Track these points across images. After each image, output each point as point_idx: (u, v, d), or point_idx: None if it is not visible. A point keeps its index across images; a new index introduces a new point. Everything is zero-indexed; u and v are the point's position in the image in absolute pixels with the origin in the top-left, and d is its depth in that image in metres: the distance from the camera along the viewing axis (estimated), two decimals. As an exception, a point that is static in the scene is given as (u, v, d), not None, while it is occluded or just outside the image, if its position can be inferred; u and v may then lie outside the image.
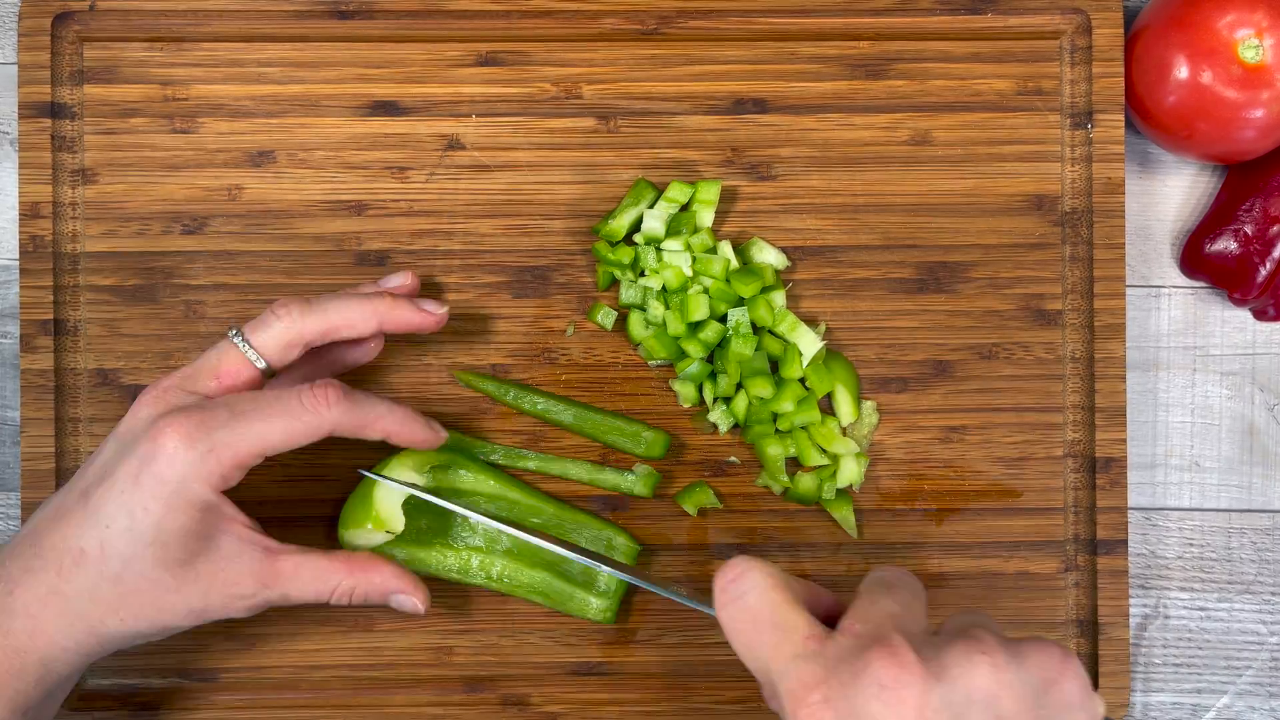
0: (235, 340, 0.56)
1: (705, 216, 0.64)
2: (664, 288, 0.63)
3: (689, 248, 0.63)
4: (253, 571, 0.55)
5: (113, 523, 0.52)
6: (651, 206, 0.64)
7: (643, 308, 0.64)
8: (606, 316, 0.64)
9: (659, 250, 0.63)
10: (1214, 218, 0.66)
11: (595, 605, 0.63)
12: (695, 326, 0.63)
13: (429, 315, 0.59)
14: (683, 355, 0.63)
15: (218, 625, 0.63)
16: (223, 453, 0.53)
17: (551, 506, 0.63)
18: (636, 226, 0.64)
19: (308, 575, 0.56)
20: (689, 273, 0.63)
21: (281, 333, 0.56)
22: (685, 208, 0.64)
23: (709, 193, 0.64)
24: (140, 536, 0.52)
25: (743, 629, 0.48)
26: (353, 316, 0.57)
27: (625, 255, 0.63)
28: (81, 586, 0.53)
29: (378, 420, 0.56)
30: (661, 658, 0.65)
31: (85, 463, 0.56)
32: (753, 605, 0.48)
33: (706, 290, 0.63)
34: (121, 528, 0.52)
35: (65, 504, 0.54)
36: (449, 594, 0.64)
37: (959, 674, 0.45)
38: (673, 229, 0.63)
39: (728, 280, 0.63)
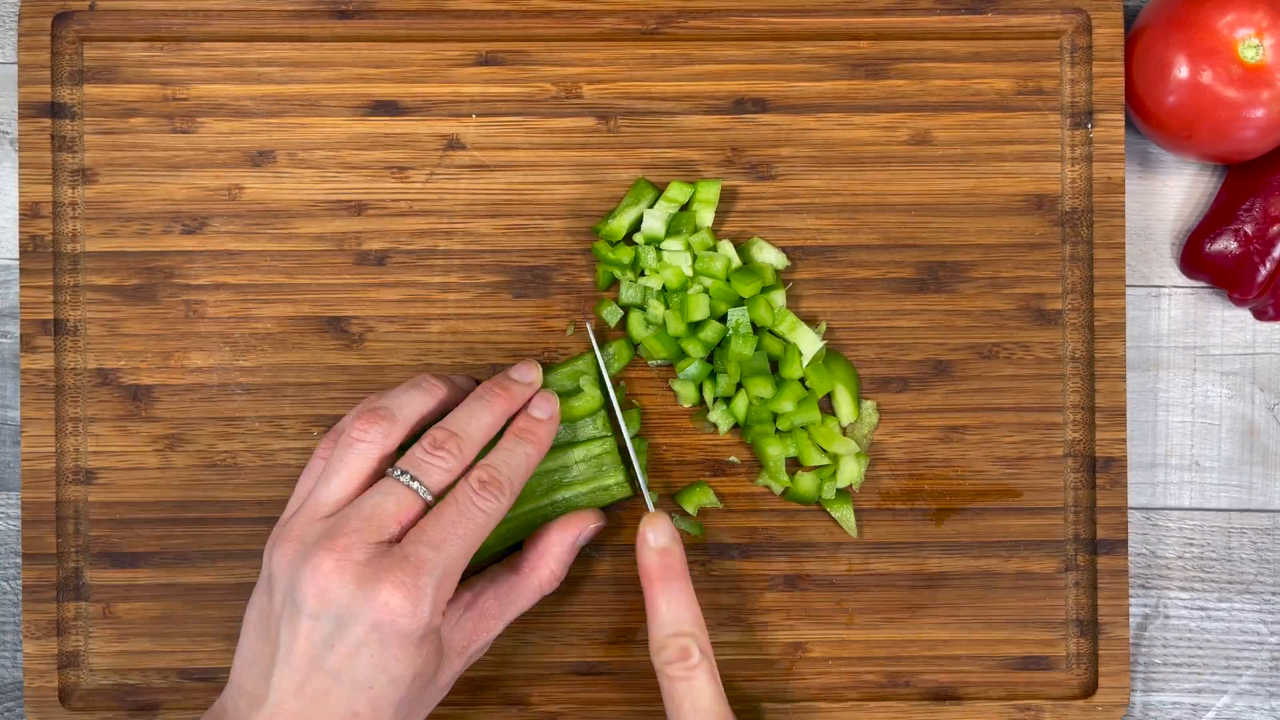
0: (407, 483, 0.56)
1: (705, 216, 0.64)
2: (664, 288, 0.63)
3: (689, 247, 0.63)
4: (475, 631, 0.59)
5: (374, 683, 0.54)
6: (651, 206, 0.64)
7: (643, 307, 0.64)
8: (612, 314, 0.64)
9: (659, 250, 0.63)
10: (1214, 218, 0.66)
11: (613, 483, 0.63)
12: (695, 326, 0.63)
13: (531, 386, 0.61)
14: (683, 355, 0.63)
15: (219, 625, 0.63)
16: (445, 587, 0.55)
17: None
18: (636, 226, 0.64)
19: (512, 601, 0.60)
20: (689, 272, 0.63)
21: (447, 471, 0.57)
22: (685, 207, 0.64)
23: (709, 192, 0.64)
24: (403, 683, 0.55)
25: (687, 706, 0.58)
26: (485, 422, 0.59)
27: (625, 255, 0.63)
28: None
29: (527, 467, 0.59)
30: (661, 657, 0.65)
31: (258, 640, 0.56)
32: (696, 689, 0.58)
33: (706, 290, 0.63)
34: (384, 684, 0.54)
35: (299, 681, 0.54)
36: (449, 594, 0.64)
37: None
38: (673, 229, 0.63)
39: (728, 280, 0.63)
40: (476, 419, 0.59)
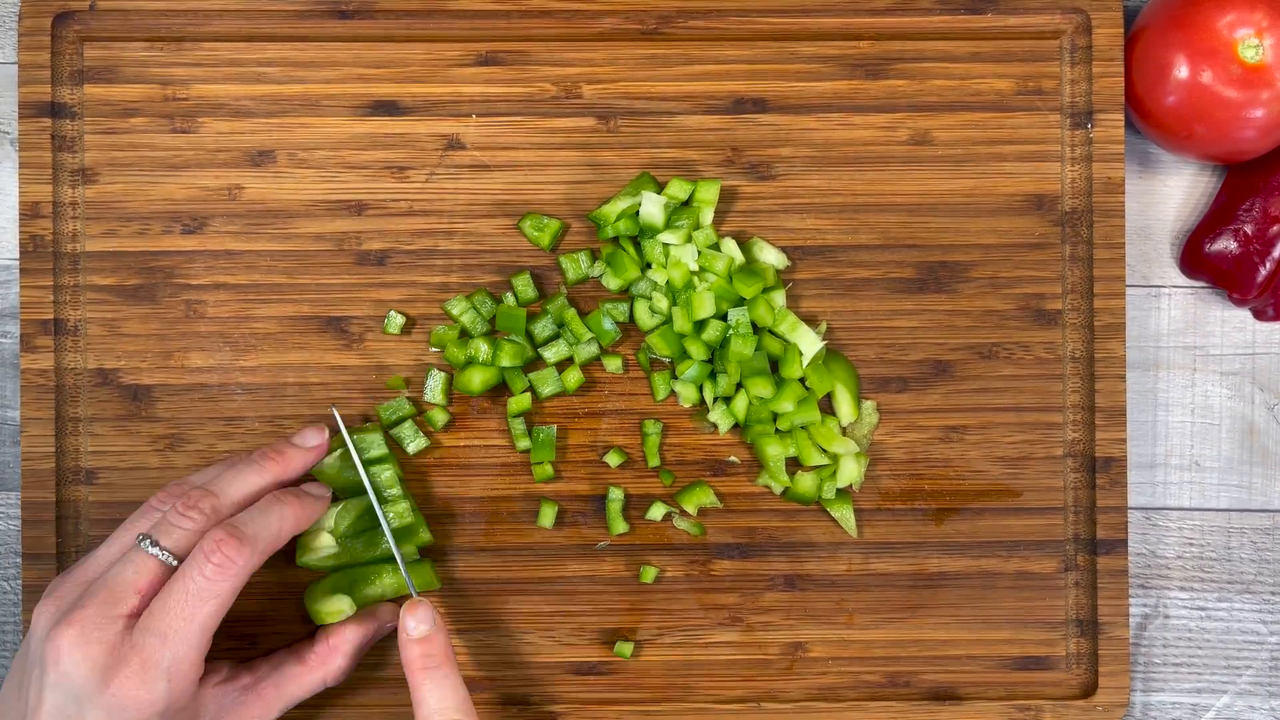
0: (149, 549, 0.56)
1: (705, 216, 0.64)
2: (669, 284, 0.63)
3: (692, 240, 0.63)
4: (246, 712, 0.59)
5: None
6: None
7: (648, 297, 0.64)
8: (574, 264, 0.64)
9: (666, 246, 0.63)
10: (1214, 218, 0.66)
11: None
12: (699, 326, 0.63)
13: (315, 452, 0.61)
14: (684, 355, 0.63)
15: (218, 625, 0.63)
16: (180, 669, 0.55)
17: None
18: (632, 217, 0.64)
19: (293, 690, 0.60)
20: (694, 267, 0.63)
21: (189, 533, 0.56)
22: (687, 204, 0.64)
23: (708, 192, 0.64)
24: None
25: None
26: (251, 488, 0.59)
27: (625, 225, 0.63)
28: None
29: (280, 533, 0.58)
30: (661, 658, 0.65)
31: (14, 691, 0.56)
32: None
33: (709, 288, 0.63)
34: None
35: None
36: (449, 594, 0.64)
37: None
38: (674, 223, 0.63)
39: (730, 279, 0.63)
40: (240, 480, 0.59)
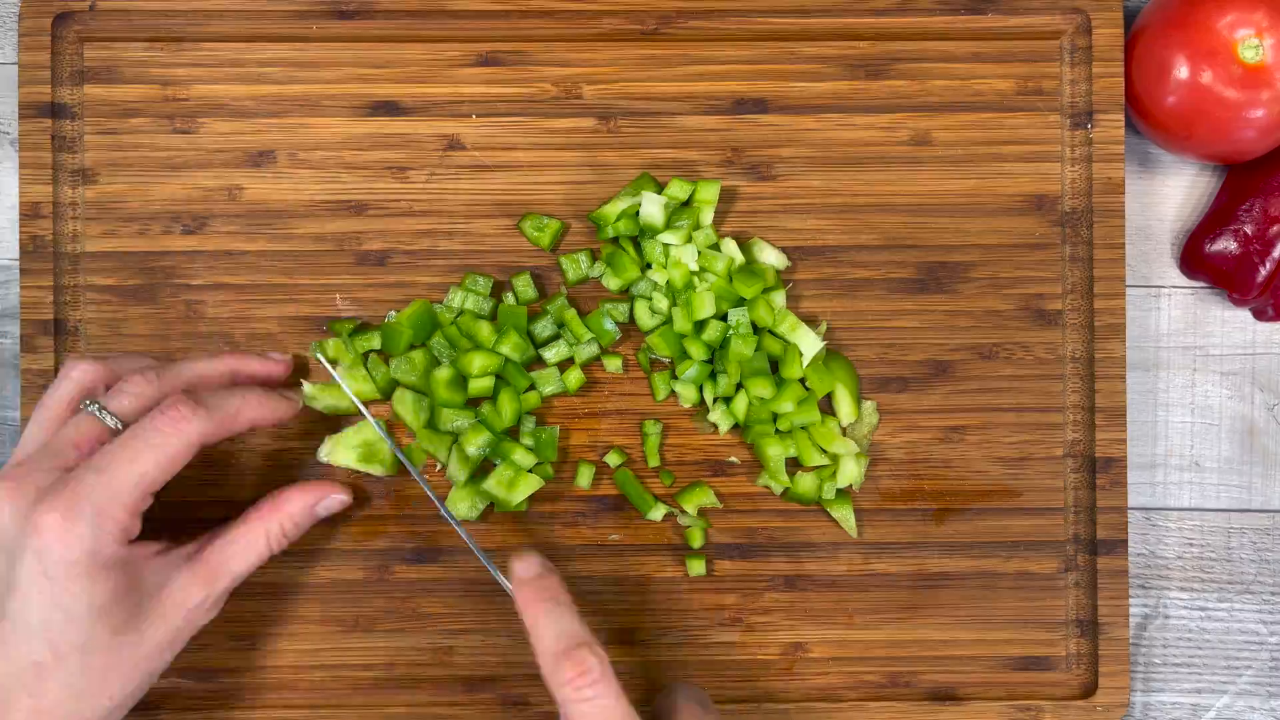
0: (90, 409, 0.55)
1: (705, 216, 0.64)
2: (669, 284, 0.63)
3: (692, 240, 0.63)
4: (192, 581, 0.56)
5: (50, 623, 0.52)
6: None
7: (648, 297, 0.64)
8: (574, 264, 0.64)
9: (666, 246, 0.63)
10: (1214, 218, 0.66)
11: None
12: (699, 326, 0.63)
13: (275, 364, 0.61)
14: (684, 356, 0.63)
15: (218, 625, 0.63)
16: (109, 510, 0.52)
17: None
18: (632, 218, 0.64)
19: (238, 550, 0.57)
20: (694, 267, 0.63)
21: (136, 396, 0.55)
22: (687, 204, 0.64)
23: (708, 192, 0.64)
24: (81, 620, 0.52)
25: None
26: (204, 370, 0.58)
27: (625, 226, 0.63)
28: (59, 694, 0.52)
29: (239, 413, 0.56)
30: (661, 658, 0.65)
31: None
32: (604, 707, 0.53)
33: (709, 288, 0.63)
34: (59, 622, 0.52)
35: None
36: (449, 594, 0.64)
37: None
38: (674, 223, 0.63)
39: (730, 279, 0.63)
40: (189, 363, 0.58)
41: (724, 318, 0.63)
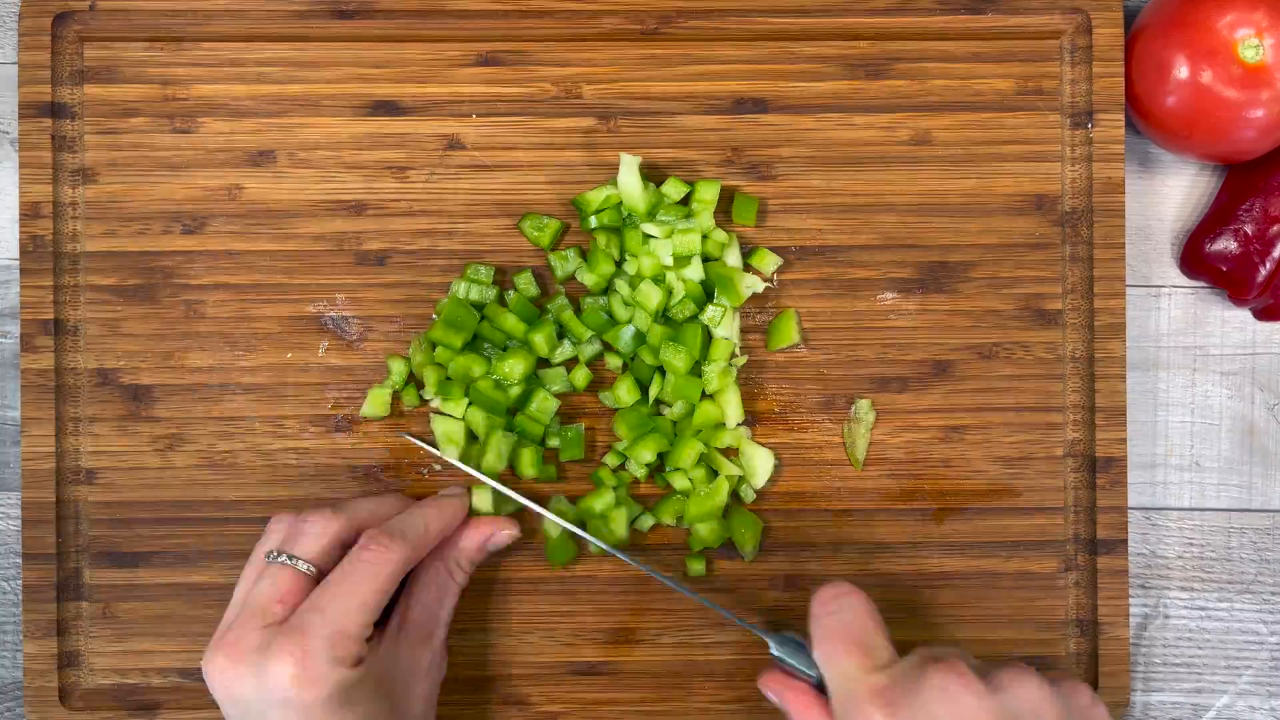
0: (280, 560, 0.56)
1: (705, 218, 0.64)
2: (638, 274, 0.63)
3: (673, 236, 0.63)
4: (413, 647, 0.59)
5: None
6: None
7: (618, 291, 0.63)
8: (563, 261, 0.64)
9: (648, 238, 0.63)
10: (1214, 218, 0.66)
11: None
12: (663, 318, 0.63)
13: (453, 505, 0.62)
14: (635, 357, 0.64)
15: (218, 626, 0.63)
16: (340, 641, 0.54)
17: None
18: (615, 208, 0.64)
19: (434, 599, 0.60)
20: (668, 261, 0.63)
21: (319, 535, 0.57)
22: (684, 203, 0.64)
23: (708, 192, 0.63)
24: None
25: (834, 642, 0.55)
26: (375, 508, 0.60)
27: (609, 217, 0.63)
28: None
29: (428, 529, 0.59)
30: (661, 658, 0.65)
31: None
32: (847, 620, 0.56)
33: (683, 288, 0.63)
34: None
35: None
36: (449, 594, 0.64)
37: (1013, 689, 0.52)
38: (661, 215, 0.63)
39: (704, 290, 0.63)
40: (362, 501, 0.60)
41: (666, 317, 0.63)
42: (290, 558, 0.56)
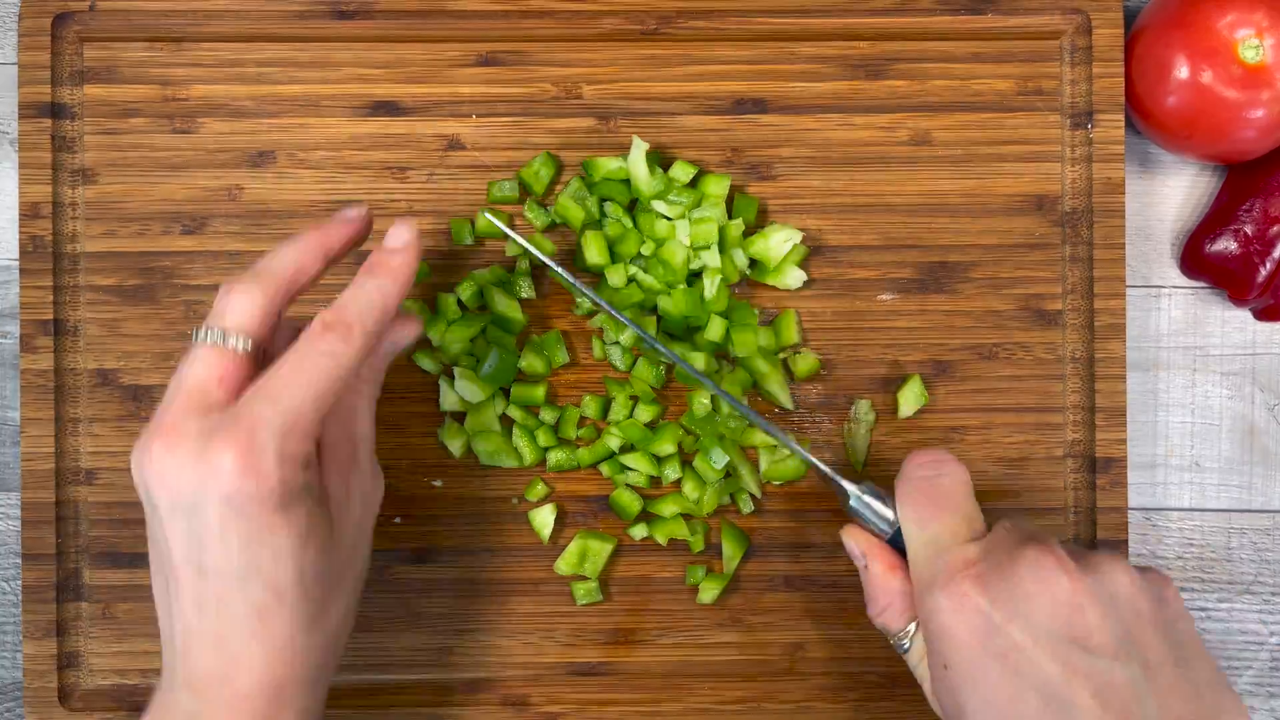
0: (208, 339, 0.51)
1: (717, 212, 0.64)
2: (656, 255, 0.63)
3: (684, 217, 0.63)
4: (361, 406, 0.54)
5: (259, 565, 0.49)
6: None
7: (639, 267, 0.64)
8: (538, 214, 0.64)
9: (658, 217, 0.63)
10: (1214, 218, 0.66)
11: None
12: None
13: (353, 222, 0.55)
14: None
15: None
16: (288, 442, 0.49)
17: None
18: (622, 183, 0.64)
19: (344, 416, 0.54)
20: (685, 240, 0.63)
21: (244, 304, 0.51)
22: (692, 186, 0.64)
23: (718, 187, 0.63)
24: (290, 554, 0.49)
25: (928, 505, 0.54)
26: (298, 258, 0.53)
27: (615, 190, 0.63)
28: (286, 631, 0.50)
29: (383, 303, 0.52)
30: (661, 658, 0.65)
31: (156, 552, 0.51)
32: (946, 487, 0.55)
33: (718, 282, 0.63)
34: (268, 561, 0.49)
35: (193, 594, 0.49)
36: (449, 594, 0.64)
37: (1107, 573, 0.51)
38: (670, 197, 0.63)
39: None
40: (279, 255, 0.53)
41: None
42: (222, 334, 0.50)
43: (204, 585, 0.49)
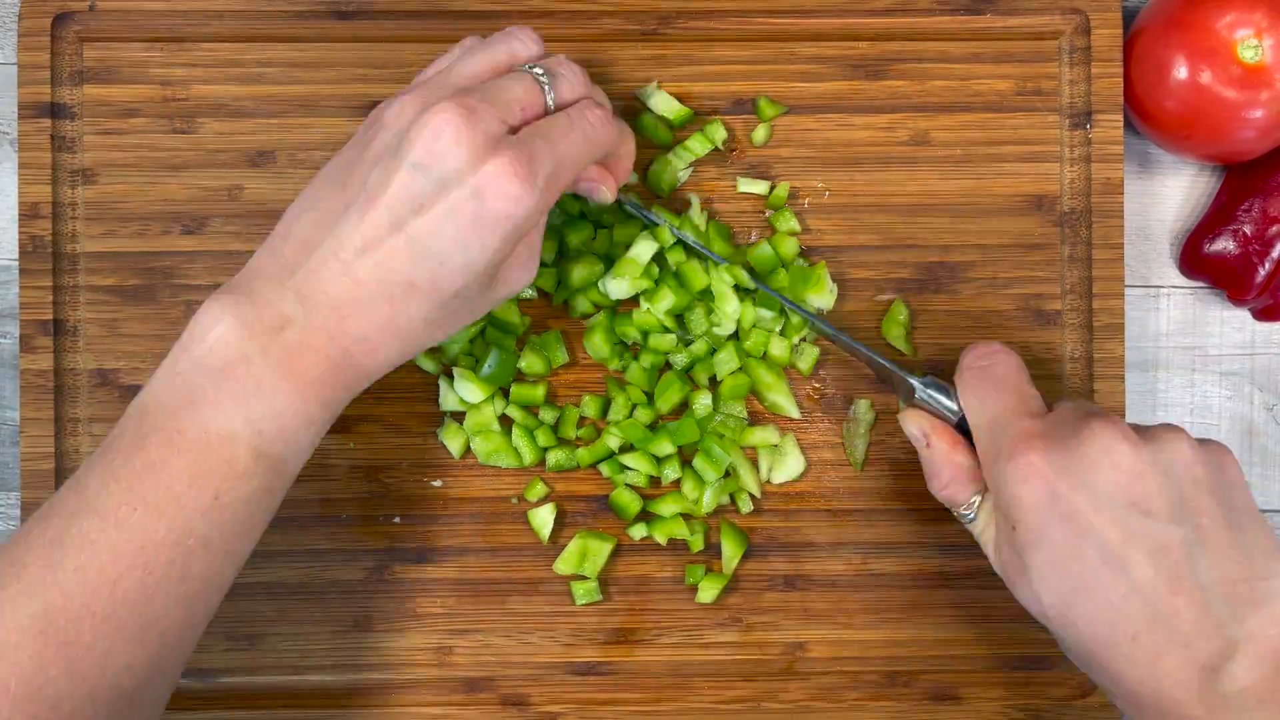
0: (539, 76, 0.55)
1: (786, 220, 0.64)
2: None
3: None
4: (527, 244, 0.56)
5: (447, 259, 0.51)
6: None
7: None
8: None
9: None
10: (1213, 218, 0.66)
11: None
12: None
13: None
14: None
15: (218, 626, 0.63)
16: (551, 187, 0.53)
17: None
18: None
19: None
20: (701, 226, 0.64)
21: (571, 86, 0.56)
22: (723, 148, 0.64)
23: (715, 132, 0.64)
24: (474, 269, 0.52)
25: (986, 389, 0.57)
26: (579, 78, 0.57)
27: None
28: (415, 315, 0.52)
29: (624, 142, 0.59)
30: (661, 658, 0.65)
31: (334, 188, 0.54)
32: (1000, 373, 0.57)
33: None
34: (457, 264, 0.52)
35: (369, 234, 0.51)
36: (449, 594, 0.64)
37: (1166, 443, 0.53)
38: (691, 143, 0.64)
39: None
40: (577, 66, 0.58)
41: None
42: (547, 82, 0.55)
43: (391, 237, 0.51)
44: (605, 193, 0.58)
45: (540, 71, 0.55)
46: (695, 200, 0.64)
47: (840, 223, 0.65)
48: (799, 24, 0.65)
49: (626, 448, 0.64)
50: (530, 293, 0.64)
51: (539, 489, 0.64)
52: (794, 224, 0.64)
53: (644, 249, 0.62)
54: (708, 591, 0.64)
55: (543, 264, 0.64)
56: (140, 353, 0.64)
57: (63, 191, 0.64)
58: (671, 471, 0.63)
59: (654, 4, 0.64)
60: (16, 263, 0.66)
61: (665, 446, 0.63)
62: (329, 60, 0.65)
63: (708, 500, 0.63)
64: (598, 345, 0.64)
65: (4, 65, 0.67)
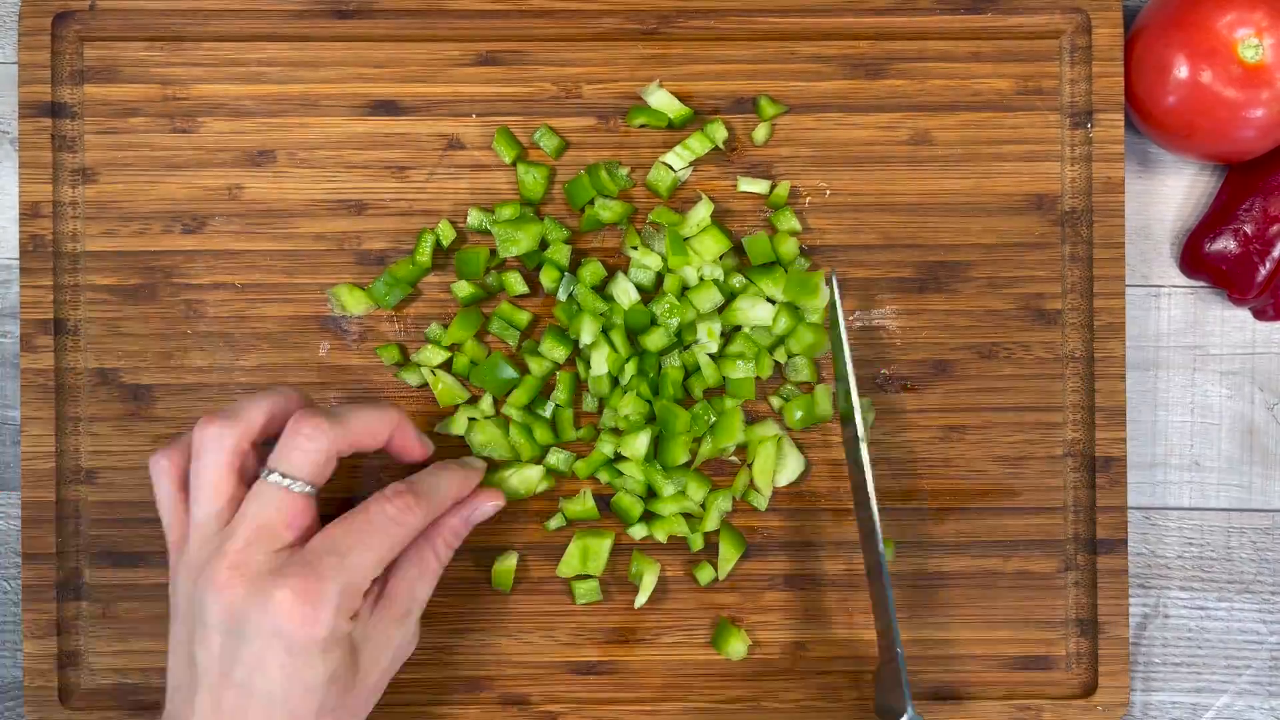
0: (278, 482, 0.54)
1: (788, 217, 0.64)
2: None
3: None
4: (390, 624, 0.57)
5: (288, 694, 0.53)
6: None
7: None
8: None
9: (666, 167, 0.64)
10: (1214, 217, 0.66)
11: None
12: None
13: (423, 448, 0.60)
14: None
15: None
16: (349, 594, 0.54)
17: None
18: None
19: (414, 578, 0.58)
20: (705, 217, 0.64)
21: (313, 454, 0.55)
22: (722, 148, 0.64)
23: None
24: (318, 689, 0.54)
25: None
26: (375, 428, 0.57)
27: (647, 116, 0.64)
28: None
29: (446, 494, 0.58)
30: (661, 658, 0.65)
31: (182, 667, 0.55)
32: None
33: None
34: (297, 693, 0.53)
35: (221, 702, 0.53)
36: (449, 594, 0.64)
37: None
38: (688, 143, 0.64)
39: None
40: (361, 416, 0.56)
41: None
42: (284, 477, 0.54)
43: (230, 694, 0.53)
44: (490, 504, 0.60)
45: (269, 473, 0.54)
46: (705, 200, 0.64)
47: (841, 222, 0.65)
48: (800, 23, 0.65)
49: (621, 458, 0.63)
50: (525, 288, 0.64)
51: (539, 488, 0.64)
52: (794, 223, 0.64)
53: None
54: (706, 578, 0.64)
55: (542, 263, 0.64)
56: (140, 352, 0.64)
57: (63, 191, 0.64)
58: (671, 486, 0.63)
59: (654, 3, 0.64)
60: (17, 262, 0.66)
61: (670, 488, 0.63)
62: (329, 60, 0.65)
63: (710, 520, 0.63)
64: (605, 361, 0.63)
65: (4, 65, 0.67)
